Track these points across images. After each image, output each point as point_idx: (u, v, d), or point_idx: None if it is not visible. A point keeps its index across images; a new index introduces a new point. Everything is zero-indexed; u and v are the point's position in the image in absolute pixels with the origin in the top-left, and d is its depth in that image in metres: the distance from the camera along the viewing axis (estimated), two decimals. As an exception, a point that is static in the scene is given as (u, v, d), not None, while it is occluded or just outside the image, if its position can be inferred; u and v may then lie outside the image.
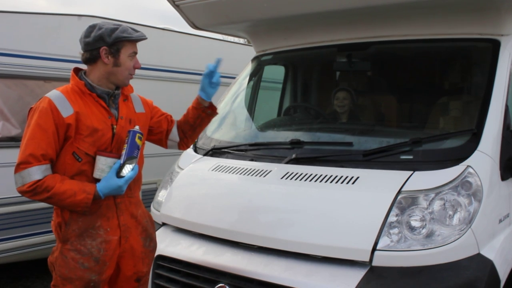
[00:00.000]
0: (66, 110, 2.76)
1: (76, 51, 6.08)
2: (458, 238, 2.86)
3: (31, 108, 2.83)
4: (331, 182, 3.23)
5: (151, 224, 3.18)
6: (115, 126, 2.93)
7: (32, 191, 2.68)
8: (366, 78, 5.13)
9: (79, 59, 6.04)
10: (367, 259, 2.83)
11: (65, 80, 5.96)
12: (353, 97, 4.60)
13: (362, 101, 4.93)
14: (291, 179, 3.36)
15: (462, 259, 2.85)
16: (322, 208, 3.13)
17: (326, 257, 2.93)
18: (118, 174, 2.82)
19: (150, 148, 4.30)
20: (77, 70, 2.97)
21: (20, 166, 2.67)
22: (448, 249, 2.84)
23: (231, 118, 4.74)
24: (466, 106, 3.93)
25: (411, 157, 3.28)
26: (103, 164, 2.83)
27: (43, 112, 2.71)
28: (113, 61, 2.87)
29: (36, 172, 2.68)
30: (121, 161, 2.84)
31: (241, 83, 5.00)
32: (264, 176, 3.48)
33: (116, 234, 2.92)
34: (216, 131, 4.53)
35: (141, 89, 6.81)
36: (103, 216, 2.89)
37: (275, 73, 5.60)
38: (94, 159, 2.84)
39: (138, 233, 3.04)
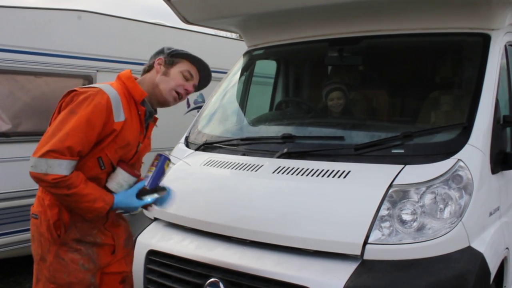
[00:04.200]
0: (119, 115, 2.66)
1: (66, 45, 6.13)
2: (449, 231, 2.88)
3: (77, 92, 2.66)
4: (322, 176, 3.23)
5: (127, 222, 3.18)
6: (140, 145, 2.89)
7: (53, 184, 2.51)
8: (357, 72, 5.13)
9: (70, 54, 6.01)
10: (358, 252, 2.83)
11: (56, 75, 6.08)
12: (346, 94, 4.60)
13: (353, 95, 4.93)
14: (282, 173, 3.36)
15: (453, 252, 2.87)
16: (313, 202, 3.13)
17: (318, 251, 2.93)
18: (139, 196, 2.78)
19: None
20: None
21: (51, 153, 2.48)
22: (439, 242, 2.85)
23: (222, 113, 4.73)
24: (457, 100, 3.95)
25: (402, 151, 3.29)
26: (124, 180, 2.77)
27: (97, 108, 2.57)
28: (164, 70, 2.85)
29: (67, 167, 2.52)
30: (147, 185, 2.81)
31: (233, 78, 4.99)
32: (256, 171, 3.47)
33: (109, 241, 2.91)
34: (207, 126, 4.52)
35: None
36: (98, 223, 2.85)
37: (267, 68, 5.60)
38: (114, 169, 2.76)
39: (121, 235, 3.03)
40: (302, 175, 3.30)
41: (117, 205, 2.71)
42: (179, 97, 2.95)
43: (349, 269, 2.79)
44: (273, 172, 3.40)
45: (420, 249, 2.84)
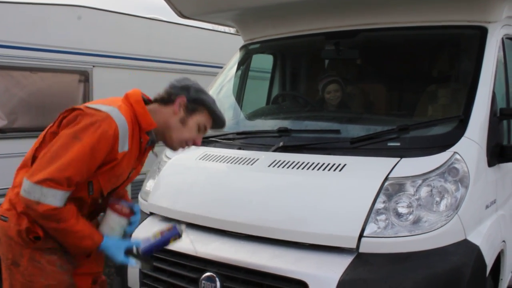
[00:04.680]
0: (124, 145, 2.51)
1: (62, 40, 6.10)
2: (445, 224, 2.87)
3: (82, 112, 2.46)
4: (318, 169, 3.21)
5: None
6: (133, 171, 2.78)
7: (44, 216, 2.35)
8: (354, 66, 5.12)
9: (66, 49, 5.97)
10: (354, 245, 2.82)
11: (52, 70, 6.06)
12: (343, 86, 4.58)
13: (350, 89, 4.91)
14: (278, 167, 3.34)
15: (449, 244, 2.86)
16: (309, 195, 3.11)
17: (314, 245, 2.92)
18: (127, 253, 2.65)
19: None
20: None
21: (48, 182, 2.30)
22: (435, 235, 2.84)
23: (219, 108, 4.68)
24: (454, 93, 3.93)
25: (398, 144, 3.27)
26: (115, 223, 2.69)
27: (104, 137, 2.40)
28: (182, 116, 2.68)
29: (61, 198, 2.35)
30: (142, 248, 2.69)
31: (229, 72, 4.96)
32: (251, 164, 3.46)
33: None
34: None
35: (128, 79, 6.86)
36: None
37: (264, 62, 5.58)
38: (102, 197, 2.66)
39: None
40: (297, 168, 3.28)
41: (103, 248, 2.56)
42: (185, 146, 2.86)
43: (344, 262, 2.78)
44: (269, 166, 3.38)
45: (416, 242, 2.82)
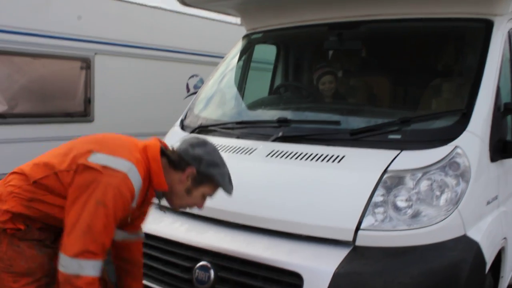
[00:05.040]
0: (135, 201, 2.51)
1: (64, 27, 6.06)
2: (444, 219, 2.81)
3: (99, 172, 2.38)
4: (316, 160, 3.17)
5: None
6: (129, 218, 2.71)
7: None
8: (357, 58, 5.04)
9: (68, 36, 5.88)
10: (350, 238, 2.77)
11: (53, 57, 6.02)
12: (337, 78, 4.53)
13: (353, 81, 4.85)
14: (276, 157, 3.29)
15: (448, 240, 2.80)
16: (306, 186, 3.06)
17: (309, 236, 2.87)
18: None
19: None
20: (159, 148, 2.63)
21: (85, 253, 2.30)
22: (434, 229, 2.78)
23: (219, 97, 4.65)
24: (458, 87, 3.85)
25: (399, 136, 3.21)
26: None
27: (125, 201, 2.40)
28: (189, 186, 2.62)
29: (99, 268, 2.36)
30: None
31: (231, 62, 4.90)
32: (249, 154, 3.42)
33: None
34: (204, 110, 4.45)
35: (131, 67, 6.83)
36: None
37: (266, 53, 5.52)
38: None
39: None
40: (296, 159, 3.23)
41: None
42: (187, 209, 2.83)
43: (340, 255, 2.73)
44: (267, 156, 3.34)
45: (414, 236, 2.77)
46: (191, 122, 4.27)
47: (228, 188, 2.69)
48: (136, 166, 2.47)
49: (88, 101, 6.39)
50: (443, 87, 3.88)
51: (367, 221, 2.80)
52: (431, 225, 2.79)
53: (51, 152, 2.63)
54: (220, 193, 2.77)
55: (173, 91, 7.35)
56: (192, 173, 2.59)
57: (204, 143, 2.68)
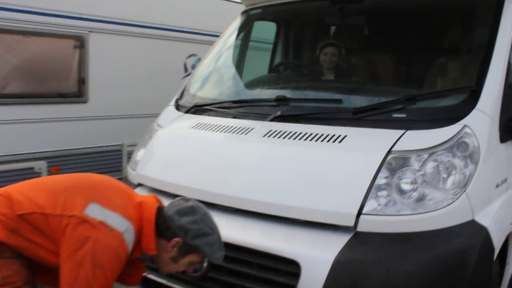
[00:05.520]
0: (130, 250, 2.43)
1: (57, 3, 5.84)
2: (452, 203, 2.66)
3: (95, 228, 2.29)
4: (316, 140, 3.01)
5: None
6: None
7: None
8: (360, 35, 4.85)
9: (61, 13, 5.64)
10: (351, 223, 2.63)
11: (45, 35, 5.82)
12: (341, 52, 4.36)
13: (355, 59, 4.66)
14: (273, 137, 3.15)
15: (455, 225, 2.66)
16: (304, 168, 2.91)
17: (308, 221, 2.73)
18: None
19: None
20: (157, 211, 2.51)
21: None
22: (440, 214, 2.64)
23: (215, 76, 4.49)
24: (467, 63, 3.67)
25: (403, 115, 3.06)
26: None
27: (120, 261, 2.34)
28: (175, 256, 2.50)
29: None
30: None
31: (228, 39, 4.71)
32: (246, 134, 3.27)
33: None
34: (200, 89, 4.30)
35: (127, 46, 6.63)
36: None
37: (265, 32, 5.33)
38: None
39: None
40: (294, 139, 3.08)
41: None
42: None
43: (340, 241, 2.60)
44: (264, 136, 3.19)
45: (419, 221, 2.63)
46: (186, 101, 4.14)
47: (216, 258, 2.53)
48: (132, 225, 2.38)
49: (82, 81, 6.19)
50: (450, 64, 3.71)
51: (370, 205, 2.65)
52: (437, 210, 2.65)
53: (39, 183, 2.50)
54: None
55: (171, 71, 7.14)
56: (178, 244, 2.47)
57: (193, 210, 2.52)
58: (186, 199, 2.58)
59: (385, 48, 4.55)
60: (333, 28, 5.05)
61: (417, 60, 4.24)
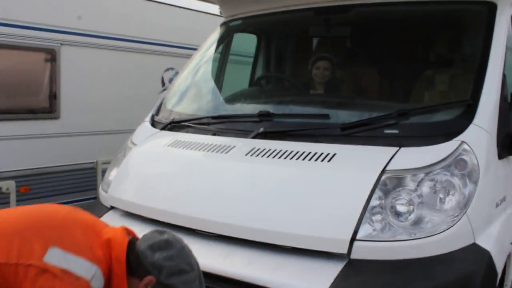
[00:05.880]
0: None
1: (27, 14, 5.57)
2: (452, 226, 2.49)
3: (58, 284, 1.98)
4: (303, 159, 2.82)
5: None
6: None
7: None
8: (345, 47, 4.68)
9: (29, 25, 5.33)
10: (344, 250, 2.43)
11: (14, 47, 5.54)
12: (334, 66, 4.22)
13: (341, 73, 4.49)
14: (257, 155, 2.95)
15: (456, 250, 2.49)
16: (291, 190, 2.71)
17: (297, 248, 2.53)
18: None
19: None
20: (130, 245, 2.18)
21: None
22: (440, 238, 2.46)
23: (193, 90, 4.30)
24: (459, 77, 3.53)
25: (396, 131, 2.89)
26: None
27: None
28: None
29: None
30: None
31: (207, 52, 4.52)
32: (226, 153, 3.07)
33: None
34: (177, 104, 4.10)
35: (100, 60, 6.38)
36: None
37: (245, 45, 5.17)
38: None
39: None
40: (279, 158, 2.89)
41: None
42: None
43: (333, 270, 2.39)
44: (246, 155, 3.00)
45: (417, 247, 2.45)
46: (162, 117, 3.94)
47: None
48: (100, 269, 2.05)
49: (53, 96, 5.89)
50: (443, 78, 3.56)
51: (364, 230, 2.46)
52: (436, 234, 2.47)
53: None
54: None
55: (147, 85, 6.90)
56: (151, 283, 2.13)
57: (168, 244, 2.19)
58: (161, 231, 2.28)
59: (372, 60, 4.38)
60: (316, 40, 4.88)
61: (405, 73, 4.06)
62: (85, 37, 6.22)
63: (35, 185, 5.80)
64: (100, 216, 3.25)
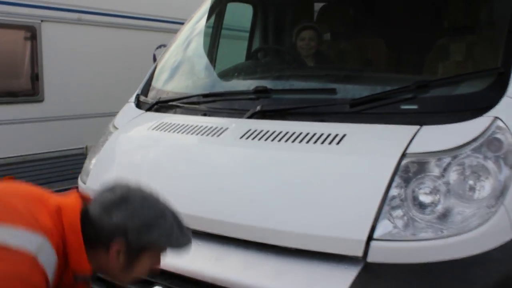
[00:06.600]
0: (52, 275, 1.75)
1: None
2: (487, 219, 2.12)
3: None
4: (307, 142, 2.47)
5: None
6: None
7: None
8: (349, 15, 4.32)
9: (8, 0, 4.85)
10: (360, 253, 2.08)
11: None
12: (320, 36, 3.92)
13: (344, 44, 4.12)
14: (253, 139, 2.63)
15: (492, 249, 2.12)
16: (294, 180, 2.37)
17: (302, 251, 2.20)
18: None
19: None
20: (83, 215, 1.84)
21: None
22: (473, 236, 2.10)
23: (183, 66, 3.98)
24: (486, 41, 3.17)
25: (415, 106, 2.51)
26: None
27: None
28: (125, 263, 1.88)
29: None
30: None
31: (197, 24, 4.16)
32: (218, 136, 2.76)
33: None
34: (165, 82, 3.77)
35: (83, 36, 6.04)
36: None
37: (241, 18, 4.87)
38: None
39: None
40: (279, 141, 2.56)
41: None
42: None
43: (346, 277, 2.05)
44: (241, 138, 2.68)
45: (446, 246, 2.09)
46: (148, 97, 3.60)
47: (182, 247, 1.92)
48: (50, 240, 1.71)
49: (35, 78, 5.61)
50: (466, 42, 3.17)
51: (382, 227, 2.10)
52: (468, 231, 2.09)
53: None
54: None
55: (138, 63, 6.57)
56: (121, 248, 1.82)
57: (124, 200, 1.84)
58: (113, 187, 1.90)
59: (379, 29, 4.03)
60: (317, 9, 4.52)
61: (418, 42, 3.70)
62: (68, 12, 5.91)
63: (20, 174, 5.51)
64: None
